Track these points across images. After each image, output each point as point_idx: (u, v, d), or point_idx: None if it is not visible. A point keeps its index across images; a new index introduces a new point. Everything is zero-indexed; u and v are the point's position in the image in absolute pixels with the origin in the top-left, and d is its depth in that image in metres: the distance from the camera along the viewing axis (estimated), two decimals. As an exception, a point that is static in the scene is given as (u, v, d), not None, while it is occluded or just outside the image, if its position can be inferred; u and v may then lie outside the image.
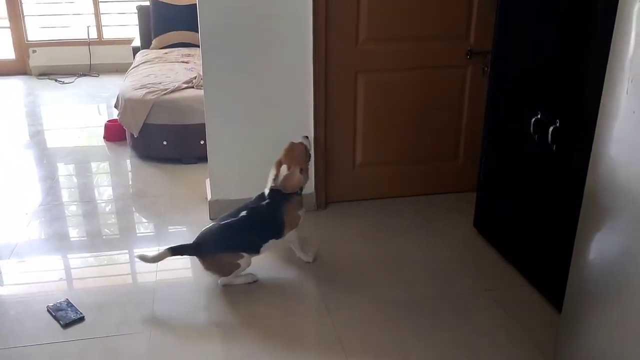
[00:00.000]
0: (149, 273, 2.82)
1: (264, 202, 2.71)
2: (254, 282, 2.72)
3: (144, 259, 2.57)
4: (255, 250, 2.68)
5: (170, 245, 2.58)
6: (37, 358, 2.24)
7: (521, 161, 2.67)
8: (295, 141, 2.79)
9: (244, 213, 2.67)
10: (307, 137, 2.84)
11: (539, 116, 2.46)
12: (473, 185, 3.21)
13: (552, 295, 2.48)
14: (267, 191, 2.74)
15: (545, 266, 2.54)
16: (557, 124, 2.33)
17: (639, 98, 1.49)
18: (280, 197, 2.70)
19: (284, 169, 2.69)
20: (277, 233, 2.72)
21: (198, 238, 2.65)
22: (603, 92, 1.65)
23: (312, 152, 2.97)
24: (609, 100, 1.62)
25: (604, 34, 1.91)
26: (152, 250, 3.05)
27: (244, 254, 2.63)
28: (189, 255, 2.69)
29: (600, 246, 1.74)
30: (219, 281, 2.68)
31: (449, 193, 3.63)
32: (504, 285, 2.70)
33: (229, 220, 2.66)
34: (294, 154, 2.74)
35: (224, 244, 2.62)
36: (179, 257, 2.64)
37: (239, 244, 2.64)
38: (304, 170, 2.72)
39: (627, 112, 1.53)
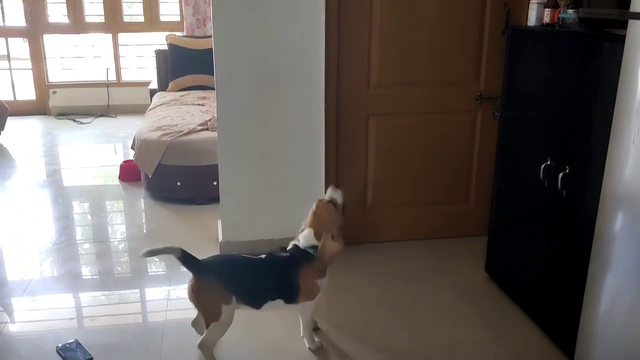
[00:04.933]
0: (158, 313, 2.83)
1: (283, 254, 2.42)
2: None
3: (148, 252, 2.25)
4: (256, 304, 2.35)
5: (184, 249, 2.26)
6: (44, 399, 2.24)
7: (532, 206, 2.67)
8: (324, 198, 2.46)
9: (262, 256, 2.41)
10: (335, 187, 2.50)
11: (548, 162, 2.47)
12: (484, 229, 3.20)
13: (564, 343, 2.44)
14: (290, 246, 2.45)
15: (557, 313, 2.50)
16: (567, 171, 2.34)
17: (645, 148, 1.50)
18: (301, 255, 2.38)
19: (308, 232, 2.38)
20: (289, 296, 2.39)
21: (207, 258, 2.37)
22: (610, 142, 1.66)
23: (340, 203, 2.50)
24: (616, 151, 1.63)
25: (609, 81, 1.94)
26: (163, 290, 3.07)
27: (237, 302, 2.31)
28: (189, 269, 2.29)
29: (611, 294, 1.73)
30: (198, 343, 2.35)
31: (460, 237, 3.62)
32: (516, 332, 2.66)
33: (245, 255, 2.42)
34: (321, 217, 2.39)
35: (225, 275, 2.31)
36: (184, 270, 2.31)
37: (241, 287, 2.32)
38: (335, 236, 2.32)
39: (635, 161, 1.54)
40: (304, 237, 2.40)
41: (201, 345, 2.34)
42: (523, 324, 2.72)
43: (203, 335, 2.34)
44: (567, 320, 2.33)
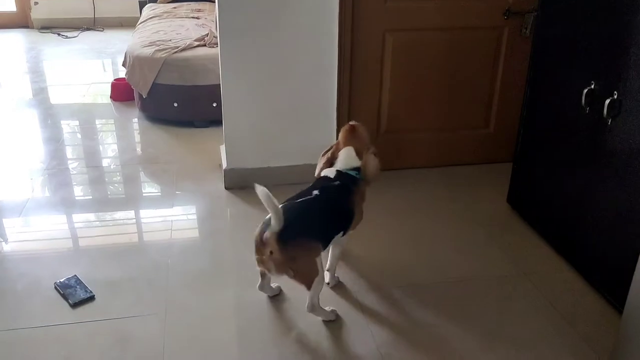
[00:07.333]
0: (162, 243, 2.67)
1: (334, 183, 2.18)
2: (332, 320, 2.18)
3: (265, 193, 1.83)
4: (326, 243, 2.13)
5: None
6: (44, 341, 2.07)
7: (568, 135, 2.44)
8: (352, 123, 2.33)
9: (316, 192, 2.11)
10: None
11: (592, 86, 2.22)
12: (504, 156, 3.01)
13: (598, 283, 2.30)
14: (332, 173, 2.22)
15: (590, 251, 2.34)
16: (615, 97, 2.10)
17: None
18: (350, 181, 2.19)
19: (347, 151, 2.23)
20: (347, 227, 2.21)
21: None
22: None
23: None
24: None
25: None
26: (167, 220, 2.88)
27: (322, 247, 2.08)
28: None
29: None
30: (307, 306, 2.10)
31: (478, 164, 3.42)
32: (544, 269, 2.51)
33: (306, 198, 2.09)
34: (361, 135, 2.28)
35: (307, 228, 2.02)
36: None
37: (322, 233, 2.08)
38: (377, 153, 2.24)
39: None
40: (345, 159, 2.24)
41: (311, 308, 2.10)
42: (551, 260, 2.56)
43: (309, 299, 2.09)
44: (603, 259, 2.18)
